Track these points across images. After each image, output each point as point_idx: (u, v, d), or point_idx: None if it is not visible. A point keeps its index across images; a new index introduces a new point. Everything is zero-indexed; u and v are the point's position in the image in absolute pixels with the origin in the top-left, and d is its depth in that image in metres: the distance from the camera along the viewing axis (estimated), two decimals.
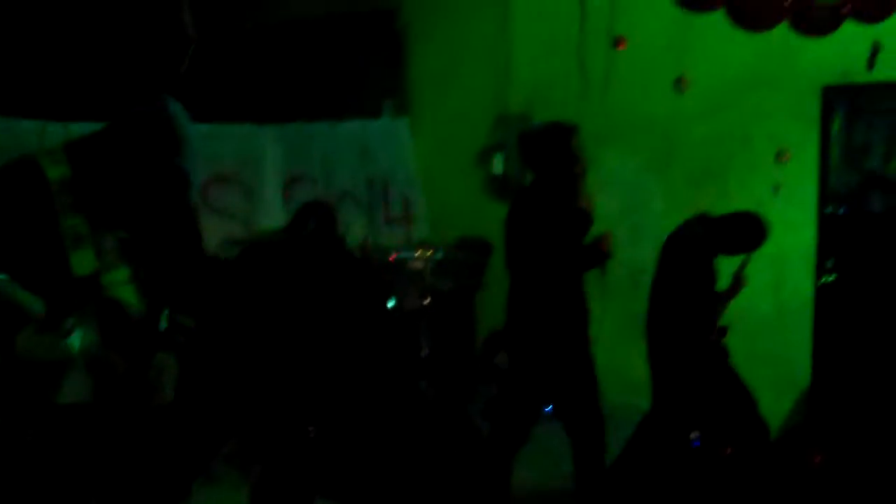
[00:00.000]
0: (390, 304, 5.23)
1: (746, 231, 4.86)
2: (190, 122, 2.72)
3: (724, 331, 4.81)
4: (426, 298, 5.52)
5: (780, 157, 6.43)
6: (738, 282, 4.91)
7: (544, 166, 4.52)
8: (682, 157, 6.92)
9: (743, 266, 4.90)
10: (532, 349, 4.51)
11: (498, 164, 7.74)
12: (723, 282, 4.94)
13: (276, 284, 4.03)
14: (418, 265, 5.98)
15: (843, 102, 6.51)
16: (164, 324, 2.90)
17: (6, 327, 2.45)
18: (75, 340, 2.51)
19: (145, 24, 6.48)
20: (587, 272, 4.64)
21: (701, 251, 4.81)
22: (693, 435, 4.71)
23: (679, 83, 6.77)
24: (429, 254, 5.93)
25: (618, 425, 5.29)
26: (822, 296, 6.38)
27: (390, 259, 6.57)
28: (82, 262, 2.60)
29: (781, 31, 5.66)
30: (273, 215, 7.04)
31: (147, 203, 2.72)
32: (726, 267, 4.99)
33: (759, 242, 4.87)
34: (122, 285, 2.74)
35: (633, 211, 6.85)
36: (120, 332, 2.70)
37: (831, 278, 6.22)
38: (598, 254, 4.51)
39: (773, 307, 5.88)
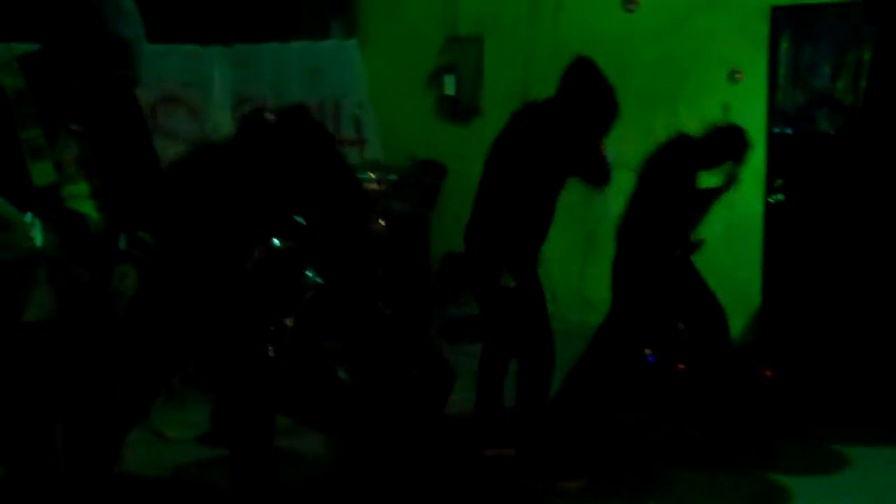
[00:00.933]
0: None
1: (730, 140, 4.93)
2: (139, 21, 2.68)
3: (698, 244, 4.87)
4: (381, 220, 5.51)
5: (732, 76, 6.49)
6: (731, 181, 4.95)
7: (583, 102, 4.42)
8: (633, 78, 6.91)
9: (736, 169, 4.93)
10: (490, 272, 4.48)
11: (449, 86, 7.70)
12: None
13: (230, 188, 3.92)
14: (373, 187, 5.97)
15: (792, 23, 6.56)
16: (122, 241, 2.91)
17: None
18: (37, 235, 2.50)
19: None
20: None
21: (683, 164, 4.86)
22: (647, 350, 4.82)
23: (628, 2, 6.77)
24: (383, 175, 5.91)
25: (571, 343, 5.40)
26: (772, 215, 6.51)
27: None
28: (41, 173, 2.61)
29: None
30: (222, 137, 6.94)
31: (99, 111, 2.71)
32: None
33: (743, 151, 4.94)
34: (82, 199, 2.74)
35: None
36: (82, 243, 2.70)
37: (780, 197, 6.34)
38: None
39: (724, 226, 5.97)
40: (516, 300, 4.44)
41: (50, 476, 2.79)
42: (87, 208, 2.76)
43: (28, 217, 2.51)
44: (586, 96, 4.44)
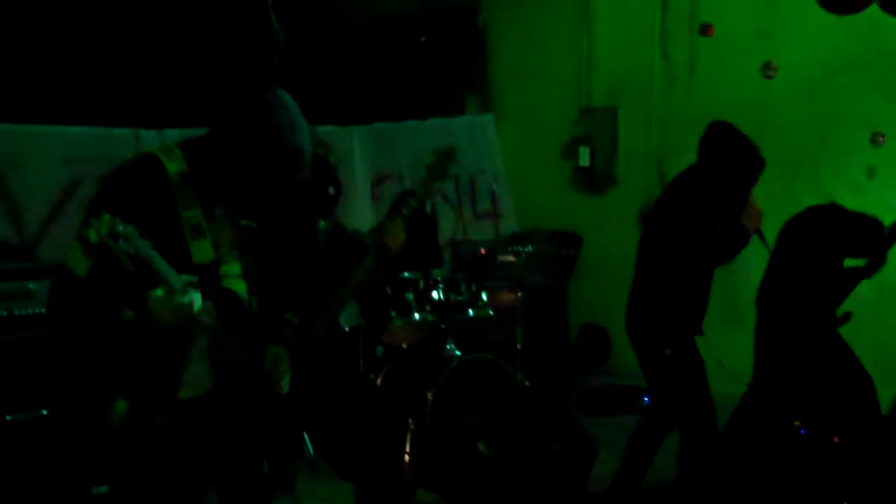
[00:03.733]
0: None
1: (872, 235, 4.77)
2: (294, 104, 2.78)
3: (846, 317, 4.72)
4: (518, 292, 5.54)
5: (875, 140, 6.31)
6: (880, 259, 4.78)
7: (726, 165, 4.39)
8: (772, 142, 6.75)
9: (888, 243, 4.76)
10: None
11: (584, 157, 7.73)
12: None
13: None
14: (509, 259, 6.01)
15: None
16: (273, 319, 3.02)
17: (143, 286, 2.56)
18: (196, 300, 2.60)
19: (232, 25, 6.62)
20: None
21: (831, 240, 4.73)
22: (797, 423, 4.65)
23: (767, 68, 6.72)
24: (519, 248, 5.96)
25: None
26: None
27: (481, 253, 6.62)
28: (201, 250, 2.71)
29: (870, 12, 5.56)
30: (362, 214, 7.15)
31: (260, 194, 2.80)
32: None
33: (885, 248, 4.76)
34: (234, 278, 2.85)
35: None
36: (239, 320, 2.81)
37: None
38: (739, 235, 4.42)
39: (875, 293, 5.77)
40: (675, 372, 4.42)
41: None
42: (240, 287, 2.87)
43: (198, 298, 2.61)
44: (727, 153, 4.39)
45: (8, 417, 4.46)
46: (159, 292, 2.51)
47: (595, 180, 7.74)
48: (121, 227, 2.40)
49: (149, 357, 2.75)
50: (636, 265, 4.57)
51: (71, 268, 2.57)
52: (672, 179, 4.71)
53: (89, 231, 2.43)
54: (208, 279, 2.71)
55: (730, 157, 4.37)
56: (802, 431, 4.64)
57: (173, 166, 2.67)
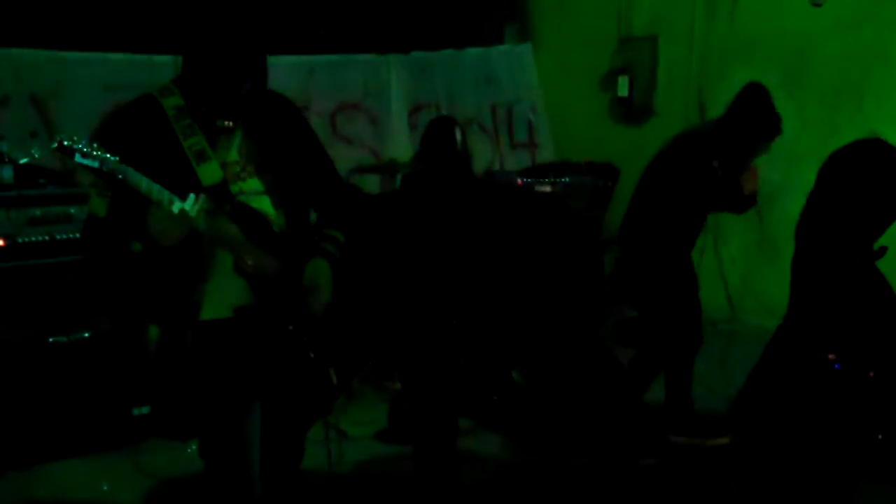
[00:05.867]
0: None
1: None
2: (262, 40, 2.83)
3: (881, 251, 4.69)
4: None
5: None
6: None
7: (748, 124, 4.55)
8: (816, 74, 6.71)
9: None
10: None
11: (623, 87, 7.65)
12: None
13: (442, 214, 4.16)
14: (545, 189, 6.01)
15: None
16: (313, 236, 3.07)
17: (136, 210, 2.64)
18: (199, 219, 2.66)
19: None
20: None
21: (874, 176, 4.69)
22: (832, 356, 4.63)
23: None
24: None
25: (750, 346, 5.28)
26: None
27: (518, 184, 6.62)
28: (208, 172, 2.81)
29: None
30: (399, 143, 7.15)
31: (253, 112, 2.88)
32: None
33: None
34: (254, 195, 2.90)
35: None
36: (263, 235, 2.85)
37: None
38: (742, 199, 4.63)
39: None
40: (668, 290, 4.66)
41: (245, 470, 2.93)
42: (263, 204, 2.91)
43: (191, 199, 2.66)
44: (753, 113, 4.56)
45: (50, 339, 4.57)
46: (153, 213, 2.59)
47: (633, 111, 7.66)
48: (71, 142, 2.47)
49: (170, 279, 2.82)
50: (638, 185, 4.84)
51: (92, 210, 2.74)
52: (692, 128, 4.88)
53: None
54: (220, 198, 2.77)
55: (754, 117, 4.54)
56: (837, 366, 4.62)
57: (169, 101, 2.81)
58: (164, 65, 5.84)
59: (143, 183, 2.60)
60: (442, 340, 4.05)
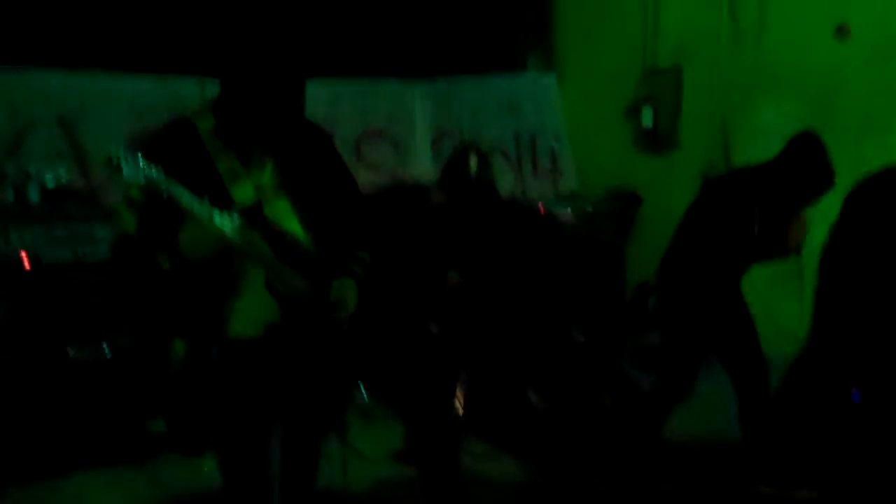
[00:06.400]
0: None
1: None
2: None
3: None
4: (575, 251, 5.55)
5: None
6: None
7: (802, 176, 4.40)
8: (842, 108, 6.68)
9: None
10: (688, 295, 4.51)
11: (647, 118, 7.65)
12: None
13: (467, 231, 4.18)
14: (568, 217, 6.01)
15: None
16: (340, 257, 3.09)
17: (168, 225, 2.67)
18: (230, 226, 2.67)
19: None
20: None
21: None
22: (853, 387, 4.58)
23: (841, 31, 6.57)
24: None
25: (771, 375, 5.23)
26: None
27: (540, 211, 6.62)
28: (241, 192, 2.84)
29: None
30: (422, 170, 7.18)
31: (283, 138, 2.92)
32: None
33: None
34: (286, 217, 2.92)
35: None
36: (294, 255, 2.87)
37: None
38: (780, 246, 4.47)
39: None
40: (727, 329, 4.53)
41: (266, 487, 2.92)
42: (293, 226, 2.94)
43: (227, 214, 2.68)
44: (809, 166, 4.39)
45: (70, 354, 4.61)
46: (190, 227, 2.61)
47: (657, 141, 7.65)
48: (119, 157, 2.50)
49: (199, 293, 2.84)
50: (679, 227, 4.63)
51: (123, 227, 2.78)
52: (745, 168, 4.71)
53: (131, 188, 2.56)
54: (253, 218, 2.80)
55: (809, 170, 4.37)
56: (856, 397, 4.57)
57: (203, 124, 2.86)
58: (191, 87, 5.91)
59: (185, 197, 2.63)
60: (438, 359, 4.05)
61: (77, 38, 5.74)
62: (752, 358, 4.58)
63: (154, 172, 2.57)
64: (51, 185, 5.01)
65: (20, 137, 5.39)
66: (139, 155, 2.56)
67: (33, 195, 4.80)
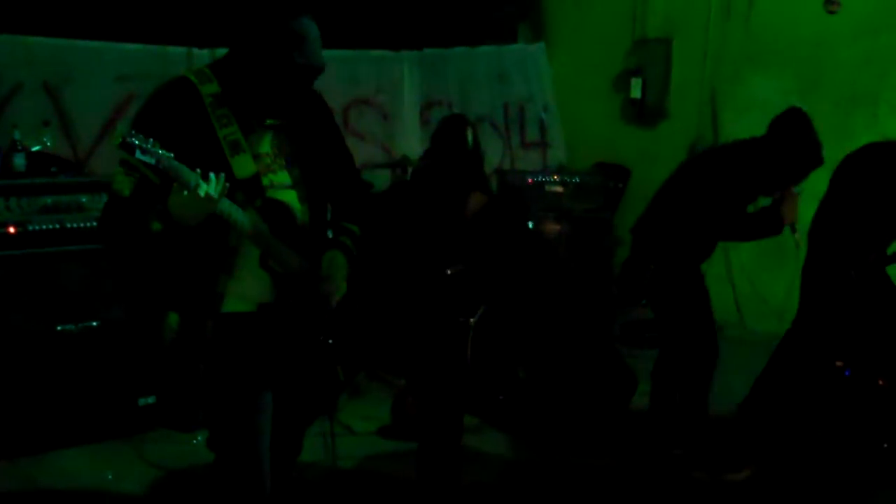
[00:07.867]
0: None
1: None
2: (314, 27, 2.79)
3: (894, 257, 4.66)
4: (563, 222, 5.54)
5: None
6: None
7: (790, 153, 4.36)
8: (830, 80, 6.70)
9: None
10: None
11: (636, 89, 7.63)
12: None
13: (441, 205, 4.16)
14: (556, 189, 6.00)
15: None
16: (329, 230, 3.07)
17: (161, 189, 2.63)
18: (210, 188, 2.63)
19: None
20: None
21: (888, 178, 4.64)
22: (839, 363, 4.62)
23: (830, 3, 6.57)
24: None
25: (757, 353, 5.28)
26: None
27: (528, 182, 6.61)
28: (241, 165, 2.79)
29: None
30: (410, 139, 7.14)
31: (291, 107, 2.86)
32: None
33: None
34: (282, 188, 2.90)
35: None
36: (288, 230, 2.85)
37: None
38: (774, 223, 4.42)
39: None
40: (680, 303, 4.50)
41: (257, 462, 2.92)
42: (290, 197, 2.91)
43: (212, 180, 2.62)
44: (796, 142, 4.36)
45: (58, 328, 4.58)
46: (177, 193, 2.57)
47: (646, 113, 7.65)
48: (136, 139, 2.45)
49: (194, 267, 2.81)
50: (657, 194, 4.63)
51: (116, 189, 2.71)
52: (730, 143, 4.69)
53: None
54: (252, 191, 2.77)
55: (797, 147, 4.34)
56: (846, 373, 4.61)
57: (207, 88, 2.78)
58: (178, 55, 5.86)
59: (184, 173, 2.57)
60: (449, 337, 4.05)
61: (63, 4, 5.66)
62: (706, 337, 4.54)
63: (163, 154, 2.51)
64: (36, 150, 4.95)
65: (4, 103, 5.32)
66: (152, 140, 2.49)
67: (18, 162, 4.74)
